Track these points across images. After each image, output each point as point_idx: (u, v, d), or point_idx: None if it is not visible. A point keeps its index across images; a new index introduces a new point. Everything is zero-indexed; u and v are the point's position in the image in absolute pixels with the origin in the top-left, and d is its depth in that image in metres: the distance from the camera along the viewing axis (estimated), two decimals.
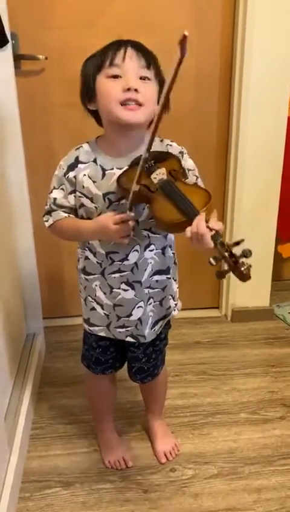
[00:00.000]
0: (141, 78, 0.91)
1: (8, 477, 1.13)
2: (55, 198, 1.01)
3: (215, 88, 1.71)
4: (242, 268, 0.75)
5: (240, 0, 1.57)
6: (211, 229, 0.79)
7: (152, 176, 0.89)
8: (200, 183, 1.03)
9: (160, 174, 0.89)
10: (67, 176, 0.99)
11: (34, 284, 1.68)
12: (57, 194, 1.01)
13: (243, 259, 0.76)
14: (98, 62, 0.92)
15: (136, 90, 0.89)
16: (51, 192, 1.01)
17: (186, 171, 1.00)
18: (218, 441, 1.34)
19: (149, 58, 0.92)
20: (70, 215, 1.01)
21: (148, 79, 0.92)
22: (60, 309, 1.92)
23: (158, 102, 0.91)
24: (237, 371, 1.63)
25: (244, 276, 0.76)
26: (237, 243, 0.77)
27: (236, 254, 0.76)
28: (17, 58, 1.52)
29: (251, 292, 1.91)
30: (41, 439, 1.34)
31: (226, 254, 0.76)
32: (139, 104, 0.90)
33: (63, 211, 1.01)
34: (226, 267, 0.77)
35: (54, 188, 1.01)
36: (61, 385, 1.56)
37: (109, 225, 0.92)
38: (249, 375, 1.62)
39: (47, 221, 1.02)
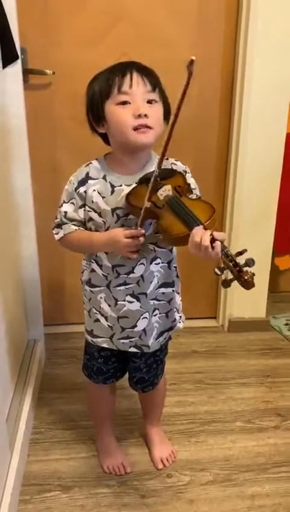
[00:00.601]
0: (148, 102, 0.95)
1: (9, 480, 1.15)
2: (66, 212, 1.04)
3: (216, 105, 1.76)
4: (246, 277, 0.78)
5: (241, 19, 1.62)
6: (215, 240, 0.82)
7: (158, 193, 0.93)
8: None
9: (166, 191, 0.93)
10: (78, 190, 1.03)
11: (36, 291, 1.72)
12: (67, 208, 1.04)
13: (247, 268, 0.79)
14: (105, 89, 0.95)
15: (145, 115, 0.94)
16: (61, 206, 1.05)
17: (191, 186, 1.04)
18: (214, 448, 1.37)
19: (154, 81, 0.96)
20: (80, 228, 1.05)
21: (155, 101, 0.96)
22: (60, 316, 1.95)
23: (167, 122, 0.97)
24: (233, 381, 1.67)
25: (248, 284, 0.79)
26: (241, 253, 0.81)
27: (240, 263, 0.80)
28: (26, 72, 1.57)
29: (247, 303, 1.95)
30: (41, 444, 1.37)
31: (231, 264, 0.80)
32: (149, 127, 0.95)
33: (74, 224, 1.04)
34: (230, 276, 0.81)
35: (64, 202, 1.05)
36: (60, 391, 1.59)
37: (120, 239, 0.95)
38: (244, 384, 1.65)
39: (57, 233, 1.06)
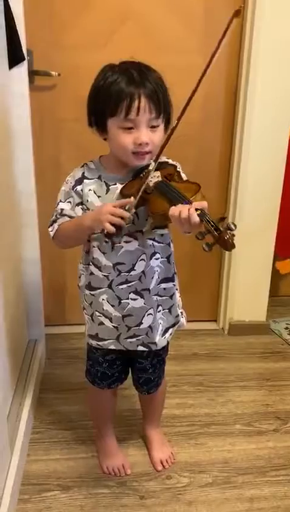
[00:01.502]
0: (151, 127, 0.97)
1: (8, 480, 1.16)
2: (62, 209, 1.05)
3: (219, 109, 1.77)
4: (226, 237, 0.79)
5: (247, 22, 1.63)
6: (196, 209, 0.83)
7: (148, 180, 0.95)
8: None
9: (155, 177, 0.96)
10: (75, 188, 1.05)
11: (38, 292, 1.72)
12: (64, 206, 1.05)
13: (228, 232, 0.80)
14: (111, 109, 0.95)
15: (147, 143, 0.96)
16: (57, 205, 1.06)
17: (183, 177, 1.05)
18: (213, 450, 1.37)
19: (160, 108, 0.96)
20: None
21: (158, 126, 0.98)
22: (61, 317, 1.96)
23: (166, 131, 1.00)
24: (233, 384, 1.67)
25: (227, 243, 0.79)
26: (222, 219, 0.82)
27: (219, 226, 0.81)
28: (31, 73, 1.58)
29: (248, 307, 1.96)
30: (40, 444, 1.38)
31: (211, 227, 0.81)
32: (148, 152, 0.97)
33: (69, 218, 1.05)
34: (212, 239, 0.81)
35: (61, 201, 1.06)
36: (60, 391, 1.60)
37: (108, 207, 0.94)
38: (244, 387, 1.66)
39: (52, 230, 1.05)
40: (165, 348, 1.21)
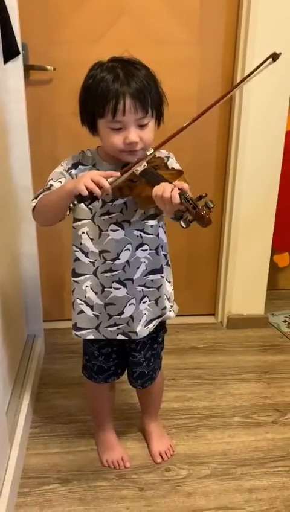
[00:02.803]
0: (140, 125, 0.97)
1: (8, 473, 1.16)
2: (51, 185, 1.03)
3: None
4: (202, 212, 0.80)
5: (242, 15, 1.62)
6: (176, 188, 0.84)
7: (134, 168, 0.94)
8: None
9: (141, 166, 0.96)
10: (70, 171, 1.05)
11: (36, 287, 1.72)
12: (54, 184, 1.03)
13: (205, 208, 0.81)
14: (98, 110, 0.95)
15: (136, 142, 0.96)
16: (48, 183, 1.04)
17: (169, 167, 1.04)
18: (212, 443, 1.38)
19: (146, 105, 0.95)
20: None
21: (147, 124, 0.98)
22: (59, 312, 1.96)
23: (158, 126, 1.00)
24: (231, 376, 1.68)
25: (203, 218, 0.80)
26: (201, 196, 0.83)
27: (197, 203, 0.82)
28: (27, 68, 1.57)
29: (246, 300, 1.96)
30: (40, 438, 1.38)
31: (189, 205, 0.82)
32: (140, 149, 0.98)
33: None
34: (189, 217, 0.82)
35: (52, 180, 1.04)
36: (59, 386, 1.60)
37: (92, 172, 0.93)
38: (243, 380, 1.66)
39: (34, 203, 1.03)
40: (159, 341, 1.21)
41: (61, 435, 1.39)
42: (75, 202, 0.93)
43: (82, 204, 1.00)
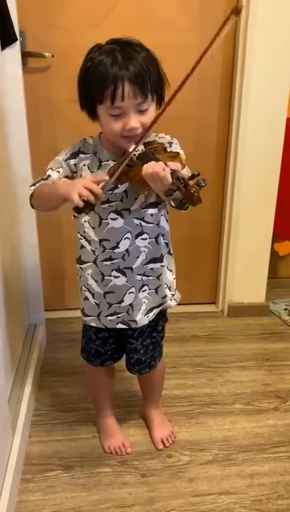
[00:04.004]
0: (139, 111, 0.95)
1: (11, 460, 1.17)
2: (49, 175, 1.04)
3: (216, 89, 1.75)
4: (192, 190, 0.79)
5: (242, 2, 1.60)
6: (169, 168, 0.83)
7: (131, 154, 0.94)
8: (187, 172, 1.01)
9: (139, 150, 0.95)
10: (68, 161, 1.05)
11: (37, 276, 1.72)
12: (51, 173, 1.05)
13: (195, 186, 0.80)
14: (98, 96, 0.93)
15: (136, 128, 0.94)
16: (46, 172, 1.05)
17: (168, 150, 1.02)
18: (213, 429, 1.39)
19: (146, 90, 0.93)
20: None
21: (146, 109, 0.96)
22: (60, 302, 1.96)
23: (159, 107, 0.98)
24: (233, 364, 1.68)
25: (193, 196, 0.79)
26: (192, 176, 0.81)
27: (188, 181, 0.81)
28: (24, 55, 1.55)
29: (247, 288, 1.96)
30: (42, 426, 1.39)
31: (181, 185, 0.81)
32: (138, 134, 0.96)
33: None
34: (180, 195, 0.81)
35: (51, 169, 1.05)
36: (61, 374, 1.61)
37: (85, 179, 0.93)
38: (244, 368, 1.66)
39: (32, 189, 1.04)
40: (158, 330, 1.21)
41: (63, 422, 1.40)
42: (76, 214, 0.94)
43: None
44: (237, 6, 0.87)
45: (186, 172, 0.92)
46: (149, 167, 0.85)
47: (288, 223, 2.08)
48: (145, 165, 0.86)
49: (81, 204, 0.88)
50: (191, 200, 0.80)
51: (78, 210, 0.91)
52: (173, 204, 0.83)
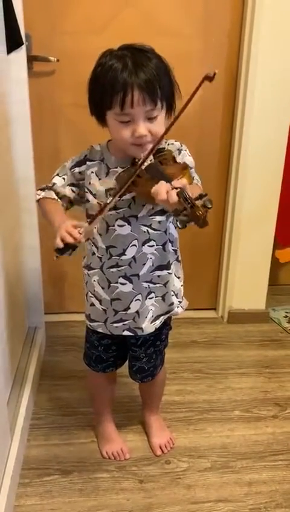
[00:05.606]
0: (149, 119, 0.94)
1: (9, 464, 1.16)
2: (54, 183, 1.07)
3: (220, 93, 1.76)
4: (199, 213, 0.78)
5: (247, 10, 1.61)
6: (174, 188, 0.82)
7: (138, 171, 0.94)
8: (196, 181, 1.03)
9: (148, 161, 0.94)
10: (73, 170, 1.07)
11: (37, 279, 1.72)
12: (57, 180, 1.08)
13: (202, 208, 0.80)
14: (106, 103, 0.93)
15: (145, 135, 0.94)
16: (53, 177, 1.08)
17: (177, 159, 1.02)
18: (212, 436, 1.38)
19: (155, 97, 0.92)
20: (59, 201, 1.07)
21: (156, 117, 0.95)
22: (60, 305, 1.96)
23: (169, 116, 0.99)
24: (232, 371, 1.68)
25: (199, 219, 0.79)
26: (201, 196, 0.81)
27: (195, 202, 0.80)
28: (30, 59, 1.56)
29: (247, 295, 1.96)
30: (40, 429, 1.38)
31: (187, 204, 0.80)
32: (149, 142, 0.95)
33: (56, 194, 1.07)
34: (186, 217, 0.81)
35: (57, 175, 1.08)
36: (60, 378, 1.60)
37: (68, 223, 0.93)
38: (243, 375, 1.66)
39: (39, 195, 1.08)
40: (162, 338, 1.21)
41: (62, 426, 1.40)
42: (58, 255, 0.95)
43: (94, 200, 1.04)
44: (210, 74, 0.88)
45: (195, 183, 0.92)
46: (155, 192, 0.84)
47: (289, 230, 2.08)
48: (153, 188, 0.85)
49: (61, 245, 0.91)
50: (197, 222, 0.79)
51: (60, 251, 0.93)
52: (180, 226, 0.83)
